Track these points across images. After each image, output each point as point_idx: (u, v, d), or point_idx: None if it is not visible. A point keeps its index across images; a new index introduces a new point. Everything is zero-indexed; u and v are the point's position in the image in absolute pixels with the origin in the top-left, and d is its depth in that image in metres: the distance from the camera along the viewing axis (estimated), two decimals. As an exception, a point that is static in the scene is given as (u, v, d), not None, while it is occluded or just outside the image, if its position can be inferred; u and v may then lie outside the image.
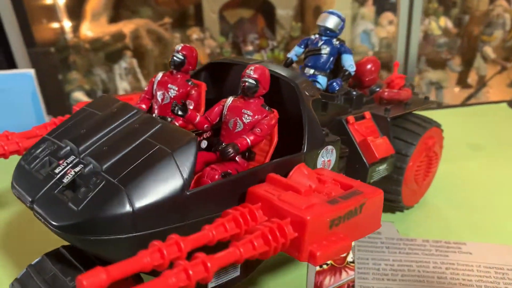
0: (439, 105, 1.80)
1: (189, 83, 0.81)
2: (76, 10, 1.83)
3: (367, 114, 0.91)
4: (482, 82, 2.11)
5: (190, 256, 0.49)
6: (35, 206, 0.60)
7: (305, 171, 0.67)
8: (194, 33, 1.96)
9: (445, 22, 2.20)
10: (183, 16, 2.10)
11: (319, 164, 0.75)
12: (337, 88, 0.92)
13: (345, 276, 0.87)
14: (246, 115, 0.70)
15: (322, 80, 0.95)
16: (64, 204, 0.57)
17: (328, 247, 0.57)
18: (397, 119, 0.98)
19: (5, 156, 0.78)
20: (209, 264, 0.47)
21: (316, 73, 0.95)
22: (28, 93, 1.44)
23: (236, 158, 0.71)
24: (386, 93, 1.00)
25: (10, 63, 1.52)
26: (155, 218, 0.57)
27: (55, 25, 1.81)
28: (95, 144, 0.64)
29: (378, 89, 1.02)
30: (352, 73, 0.94)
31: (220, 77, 0.93)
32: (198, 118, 0.73)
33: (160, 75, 0.83)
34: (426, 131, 0.95)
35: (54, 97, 1.67)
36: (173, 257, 0.49)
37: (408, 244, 0.94)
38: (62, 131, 0.69)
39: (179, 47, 0.81)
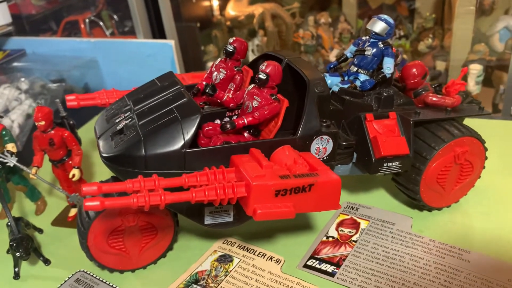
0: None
1: (235, 69, 1.02)
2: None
3: (392, 115, 0.99)
4: None
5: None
6: (98, 140, 0.90)
7: (286, 151, 0.84)
8: (323, 17, 2.11)
9: None
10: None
11: (313, 149, 0.90)
12: (368, 87, 1.02)
13: (343, 250, 1.00)
14: (255, 101, 0.89)
15: (363, 78, 1.06)
16: (110, 143, 0.86)
17: (270, 209, 0.75)
18: (431, 124, 1.03)
19: (105, 105, 1.11)
20: (162, 197, 0.70)
21: (359, 71, 1.06)
22: (168, 59, 1.81)
23: (245, 134, 0.91)
24: (429, 98, 1.05)
25: (161, 34, 1.93)
26: (161, 163, 0.82)
27: (205, 3, 2.17)
28: (144, 107, 0.91)
29: (423, 92, 1.07)
30: (388, 75, 1.02)
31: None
32: (225, 98, 0.94)
33: (218, 60, 1.06)
34: (455, 139, 0.99)
35: (193, 64, 2.03)
36: (149, 188, 0.73)
37: (414, 239, 1.01)
38: (133, 93, 0.98)
39: (231, 39, 1.02)
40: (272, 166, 0.78)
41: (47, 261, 1.04)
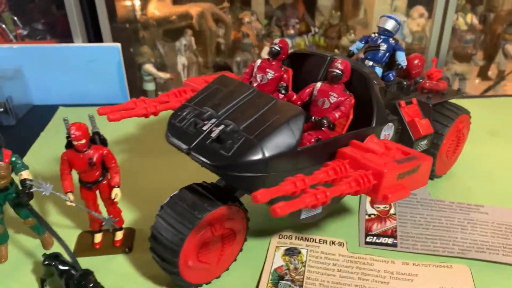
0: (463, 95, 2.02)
1: (282, 69, 1.06)
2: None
3: (414, 100, 1.15)
4: (501, 76, 2.33)
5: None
6: (192, 152, 0.85)
7: (375, 140, 0.93)
8: (246, 17, 2.19)
9: (471, 18, 2.41)
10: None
11: (382, 136, 1.00)
12: (392, 79, 1.16)
13: (389, 224, 1.13)
14: (332, 96, 0.95)
15: (379, 71, 1.19)
16: (215, 151, 0.83)
17: (396, 192, 0.83)
18: (436, 106, 1.22)
19: (146, 116, 1.03)
20: (328, 193, 0.73)
21: (374, 65, 1.19)
22: (114, 64, 1.68)
23: (323, 128, 0.96)
24: (427, 84, 1.24)
25: (98, 37, 1.77)
26: (279, 163, 0.83)
27: (127, 3, 2.05)
28: (229, 111, 0.89)
29: (421, 80, 1.25)
30: (404, 67, 1.18)
31: (300, 64, 1.17)
32: (294, 97, 0.98)
33: (259, 61, 1.08)
34: (458, 117, 1.20)
35: (127, 67, 1.91)
36: (301, 188, 0.75)
37: (438, 203, 1.20)
38: (199, 100, 0.94)
39: (277, 40, 1.05)
40: (385, 153, 0.86)
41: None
